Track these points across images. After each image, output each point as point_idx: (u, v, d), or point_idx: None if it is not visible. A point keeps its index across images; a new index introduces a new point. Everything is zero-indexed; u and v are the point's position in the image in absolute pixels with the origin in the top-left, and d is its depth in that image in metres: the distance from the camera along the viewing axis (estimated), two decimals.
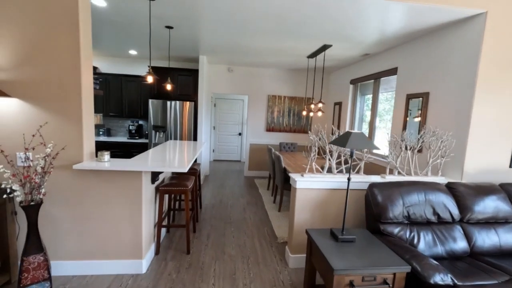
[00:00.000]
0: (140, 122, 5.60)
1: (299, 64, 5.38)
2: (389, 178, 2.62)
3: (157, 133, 5.07)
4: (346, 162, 4.26)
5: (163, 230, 3.05)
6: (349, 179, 1.98)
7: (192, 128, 5.14)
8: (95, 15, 3.12)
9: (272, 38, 3.67)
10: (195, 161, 5.25)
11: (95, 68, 5.45)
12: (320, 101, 4.19)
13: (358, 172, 2.73)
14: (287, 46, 4.01)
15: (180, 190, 2.63)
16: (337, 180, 2.49)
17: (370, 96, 4.69)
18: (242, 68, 5.92)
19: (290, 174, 2.60)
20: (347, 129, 5.31)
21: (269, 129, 6.14)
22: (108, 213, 2.25)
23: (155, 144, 5.08)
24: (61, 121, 2.11)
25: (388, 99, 4.24)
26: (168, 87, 3.50)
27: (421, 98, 3.22)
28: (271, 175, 4.80)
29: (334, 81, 5.94)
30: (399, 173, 2.75)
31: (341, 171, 2.73)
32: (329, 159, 2.59)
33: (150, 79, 2.63)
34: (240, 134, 8.01)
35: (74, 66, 2.08)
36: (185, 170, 2.17)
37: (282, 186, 3.91)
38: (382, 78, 4.25)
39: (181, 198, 3.71)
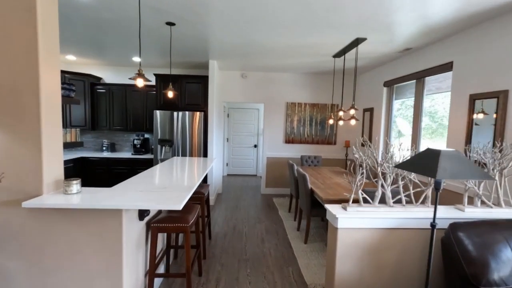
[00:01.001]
0: (146, 135, 5.09)
1: (322, 66, 4.71)
2: (470, 210, 1.84)
3: (163, 147, 4.52)
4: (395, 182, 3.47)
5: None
6: (433, 225, 1.25)
7: (202, 141, 4.55)
8: (83, 13, 2.64)
9: (293, 33, 3.03)
10: (205, 180, 4.64)
11: (98, 79, 5.05)
12: (352, 107, 3.47)
13: (424, 202, 1.97)
14: (310, 42, 3.36)
15: (178, 228, 1.98)
16: (397, 217, 1.75)
17: (406, 100, 3.90)
18: (257, 73, 5.33)
19: (328, 207, 1.87)
20: (381, 140, 4.51)
21: (288, 140, 5.45)
22: (78, 266, 1.63)
23: (162, 160, 4.52)
24: (11, 138, 1.54)
25: (431, 104, 3.45)
26: (170, 94, 2.94)
27: (495, 99, 2.43)
28: (293, 195, 4.07)
29: (363, 84, 5.19)
30: (482, 202, 1.96)
31: (399, 201, 1.98)
32: (382, 185, 1.85)
33: (139, 83, 2.05)
34: (255, 146, 7.36)
35: (29, 65, 1.52)
36: (179, 207, 1.52)
37: (309, 212, 3.17)
38: (427, 78, 3.48)
39: None
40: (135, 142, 4.91)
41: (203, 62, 4.61)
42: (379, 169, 1.84)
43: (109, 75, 5.13)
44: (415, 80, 3.71)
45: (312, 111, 5.45)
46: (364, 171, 1.84)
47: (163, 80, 4.58)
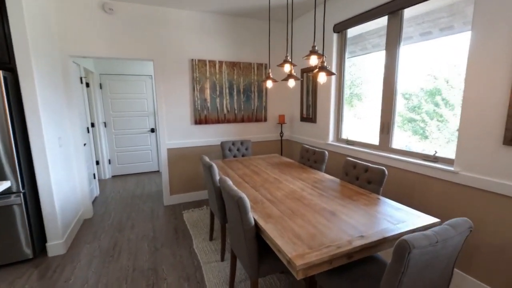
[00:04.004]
0: None
1: (245, 2, 2.91)
2: None
3: None
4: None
5: None
6: None
7: (13, 134, 2.13)
8: None
9: None
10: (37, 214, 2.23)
11: None
12: (287, 61, 1.89)
13: None
14: None
15: None
16: None
17: (368, 55, 2.64)
18: (134, 5, 3.06)
19: None
20: (331, 111, 3.21)
21: (200, 120, 3.55)
22: None
23: None
24: None
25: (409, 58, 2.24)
26: None
27: None
28: (215, 215, 2.33)
29: (300, 32, 3.70)
30: None
31: None
32: None
33: None
34: (153, 130, 5.11)
35: None
36: None
37: (256, 271, 1.51)
38: (407, 10, 2.20)
39: None
40: None
41: None
42: None
43: None
44: (387, 16, 2.40)
45: (232, 73, 3.66)
46: None
47: None
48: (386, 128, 2.54)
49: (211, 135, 3.67)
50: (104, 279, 2.07)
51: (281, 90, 4.04)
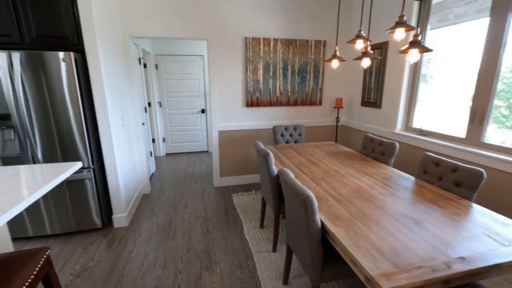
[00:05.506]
0: None
1: None
2: None
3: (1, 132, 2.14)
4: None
5: None
6: None
7: (83, 114, 2.26)
8: None
9: None
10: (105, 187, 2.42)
11: None
12: (361, 37, 1.61)
13: None
14: None
15: None
16: None
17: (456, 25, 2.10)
18: None
19: None
20: (402, 96, 2.77)
21: (252, 102, 3.41)
22: None
23: (4, 162, 2.18)
24: None
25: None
26: None
27: None
28: (266, 200, 2.23)
29: (372, 3, 3.21)
30: None
31: None
32: None
33: None
34: (203, 111, 5.18)
35: None
36: None
37: (319, 277, 1.37)
38: None
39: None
40: None
41: None
42: None
43: None
44: None
45: (287, 52, 3.39)
46: None
47: None
48: (478, 117, 2.07)
49: (262, 119, 3.53)
50: (162, 256, 2.16)
51: (340, 70, 3.64)
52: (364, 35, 1.75)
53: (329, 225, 1.29)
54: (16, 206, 1.01)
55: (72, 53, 2.10)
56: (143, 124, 3.56)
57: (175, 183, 3.76)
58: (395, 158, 2.86)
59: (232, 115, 3.42)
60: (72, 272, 1.99)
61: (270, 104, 3.48)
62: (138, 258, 2.15)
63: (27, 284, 1.02)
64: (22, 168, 1.49)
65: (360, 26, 1.83)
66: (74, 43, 2.22)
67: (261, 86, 3.39)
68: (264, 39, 3.26)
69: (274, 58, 3.35)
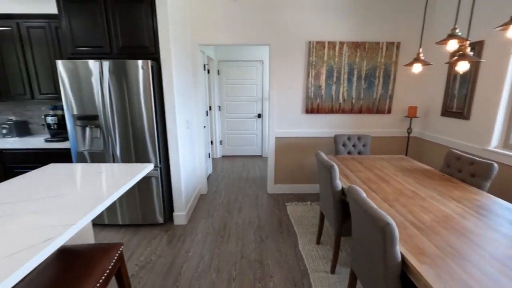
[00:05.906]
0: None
1: None
2: None
3: (87, 129, 2.47)
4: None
5: None
6: None
7: (155, 116, 2.45)
8: None
9: None
10: (169, 196, 2.58)
11: None
12: (456, 36, 1.43)
13: None
14: None
15: None
16: None
17: None
18: None
19: None
20: (502, 105, 2.28)
21: (312, 108, 3.27)
22: None
23: (89, 154, 2.51)
24: None
25: None
26: None
27: None
28: (325, 214, 2.05)
29: (449, 3, 2.77)
30: None
31: None
32: None
33: None
34: (259, 116, 5.21)
35: None
36: None
37: None
38: None
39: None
40: (49, 120, 2.87)
41: None
42: None
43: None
44: None
45: (354, 55, 3.15)
46: None
47: (71, 0, 2.34)
48: None
49: (322, 126, 3.35)
50: (216, 260, 2.18)
51: (415, 75, 3.22)
52: (460, 34, 1.46)
53: (413, 261, 1.08)
54: (99, 205, 1.09)
55: (149, 61, 2.30)
56: (204, 127, 3.73)
57: (230, 185, 3.83)
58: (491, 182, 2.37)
59: (290, 121, 3.32)
60: (138, 263, 2.14)
61: (332, 111, 3.27)
62: (194, 258, 2.21)
63: (104, 277, 1.09)
64: (103, 166, 1.65)
65: (455, 24, 1.54)
66: (152, 52, 2.43)
67: (322, 92, 3.22)
68: (329, 42, 3.09)
69: (339, 62, 3.14)
